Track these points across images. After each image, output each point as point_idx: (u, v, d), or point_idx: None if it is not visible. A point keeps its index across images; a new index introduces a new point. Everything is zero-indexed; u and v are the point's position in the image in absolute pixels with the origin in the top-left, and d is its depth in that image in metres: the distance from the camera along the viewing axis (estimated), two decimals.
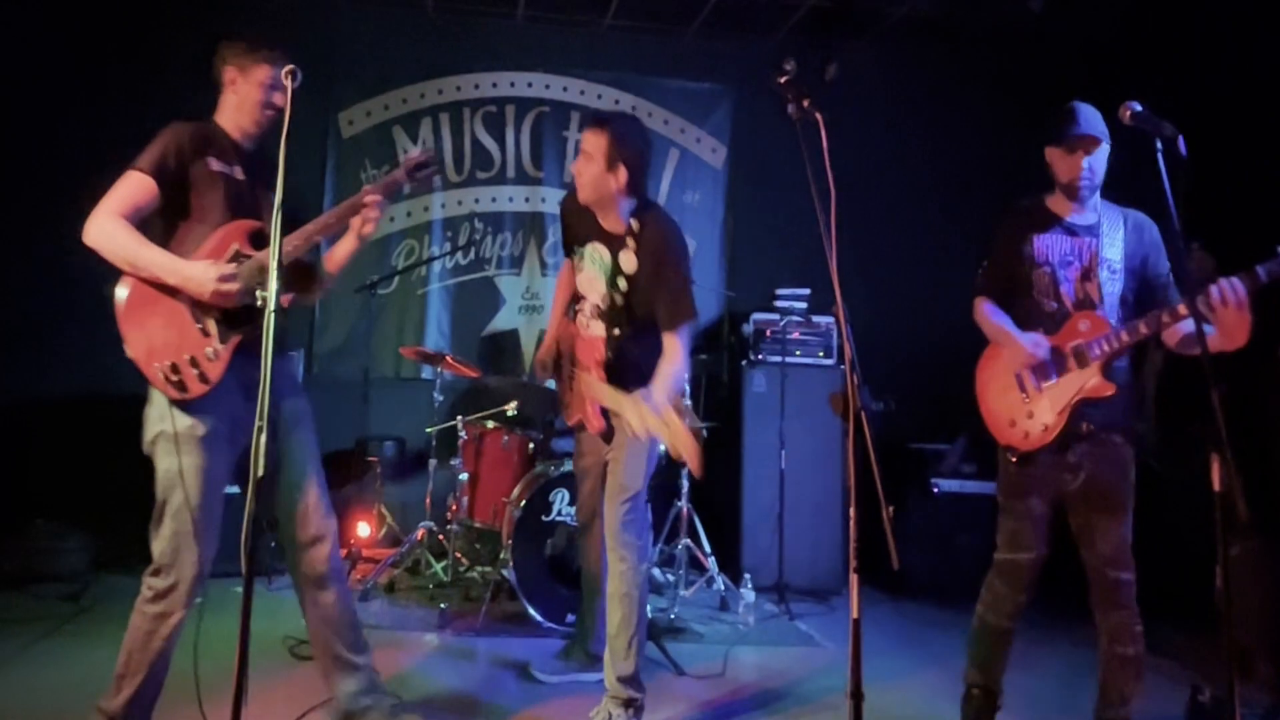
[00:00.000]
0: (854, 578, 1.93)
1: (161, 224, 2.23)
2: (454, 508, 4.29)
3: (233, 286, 2.16)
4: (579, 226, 2.82)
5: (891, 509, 1.90)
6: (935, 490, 4.69)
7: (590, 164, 2.63)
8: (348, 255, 2.47)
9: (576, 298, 2.91)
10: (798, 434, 4.50)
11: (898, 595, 4.53)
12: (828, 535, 4.56)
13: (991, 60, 5.51)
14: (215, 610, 2.30)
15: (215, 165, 2.27)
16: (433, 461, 4.43)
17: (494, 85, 5.61)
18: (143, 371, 2.17)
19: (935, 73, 5.63)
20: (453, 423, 4.42)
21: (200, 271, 2.15)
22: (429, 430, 4.50)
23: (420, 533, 4.34)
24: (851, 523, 1.93)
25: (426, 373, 5.12)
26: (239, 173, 2.31)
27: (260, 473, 1.74)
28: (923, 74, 5.62)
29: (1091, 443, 2.47)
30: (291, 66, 2.00)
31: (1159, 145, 2.05)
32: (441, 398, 4.57)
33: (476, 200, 5.55)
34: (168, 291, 2.19)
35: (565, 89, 5.68)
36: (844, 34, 5.50)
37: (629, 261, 2.68)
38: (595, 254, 2.77)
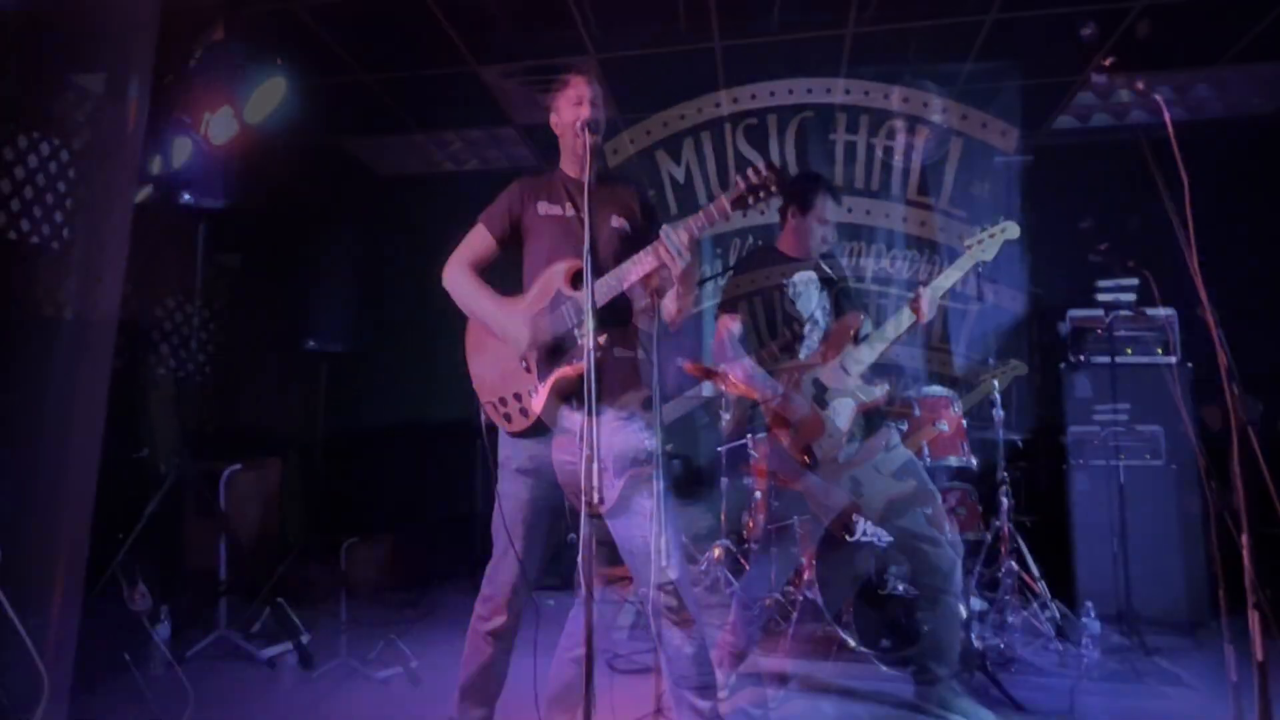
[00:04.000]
0: (1253, 615, 1.73)
1: (517, 269, 2.42)
2: (750, 524, 4.25)
3: (545, 334, 2.27)
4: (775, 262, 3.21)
5: None
6: None
7: None
8: (674, 299, 2.32)
9: (788, 334, 3.11)
10: (1134, 441, 3.94)
11: None
12: (1181, 557, 3.94)
13: None
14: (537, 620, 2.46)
15: (544, 209, 2.39)
16: (724, 479, 4.43)
17: (753, 97, 5.51)
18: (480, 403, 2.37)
19: None
20: (743, 441, 4.41)
21: (515, 330, 2.30)
22: (720, 449, 4.52)
23: (717, 551, 4.35)
24: (1244, 550, 1.77)
25: (708, 389, 5.16)
26: (570, 209, 2.35)
27: (593, 499, 1.88)
28: None
29: None
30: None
31: None
32: (729, 415, 4.57)
33: (744, 214, 5.52)
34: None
35: (829, 90, 5.46)
36: None
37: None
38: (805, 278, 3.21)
